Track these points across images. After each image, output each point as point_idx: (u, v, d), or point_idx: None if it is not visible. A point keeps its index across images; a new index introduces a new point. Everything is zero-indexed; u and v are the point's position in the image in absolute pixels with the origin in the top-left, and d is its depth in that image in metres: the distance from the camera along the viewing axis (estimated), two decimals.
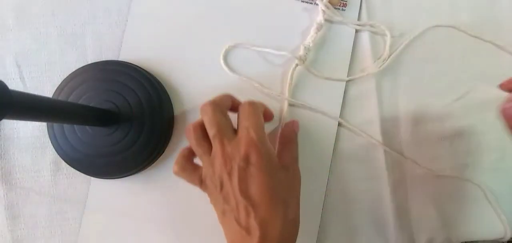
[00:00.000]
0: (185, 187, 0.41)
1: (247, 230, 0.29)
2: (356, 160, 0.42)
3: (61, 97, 0.38)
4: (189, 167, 0.33)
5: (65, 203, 0.42)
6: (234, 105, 0.35)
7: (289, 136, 0.37)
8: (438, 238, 0.42)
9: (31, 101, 0.26)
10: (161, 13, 0.42)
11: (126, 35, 0.42)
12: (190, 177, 0.33)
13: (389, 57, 0.42)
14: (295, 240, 0.32)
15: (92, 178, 0.41)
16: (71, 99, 0.38)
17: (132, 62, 0.41)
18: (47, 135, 0.40)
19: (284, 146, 0.37)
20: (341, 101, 0.42)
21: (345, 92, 0.42)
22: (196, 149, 0.32)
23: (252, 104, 0.33)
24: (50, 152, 0.41)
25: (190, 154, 0.34)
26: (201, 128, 0.32)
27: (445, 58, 0.43)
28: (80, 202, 0.41)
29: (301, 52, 0.41)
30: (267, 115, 0.36)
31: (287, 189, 0.31)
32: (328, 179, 0.41)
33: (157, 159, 0.41)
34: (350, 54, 0.42)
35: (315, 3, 0.42)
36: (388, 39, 0.42)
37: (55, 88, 0.40)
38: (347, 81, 0.42)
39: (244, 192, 0.29)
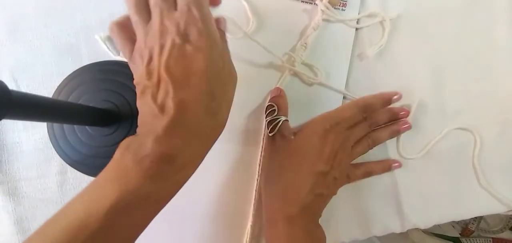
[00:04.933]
0: (191, 188, 0.41)
1: (161, 108, 0.26)
2: None
3: (60, 98, 0.39)
4: (126, 32, 0.29)
5: None
6: None
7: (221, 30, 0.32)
8: (431, 216, 0.43)
9: (31, 101, 0.26)
10: None
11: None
12: (122, 42, 0.29)
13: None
14: (214, 139, 0.29)
15: (92, 178, 0.41)
16: (70, 99, 0.38)
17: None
18: (50, 147, 0.40)
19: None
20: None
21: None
22: (133, 15, 0.28)
23: None
24: (55, 164, 0.41)
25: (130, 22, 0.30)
26: None
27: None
28: None
29: (291, 56, 0.41)
30: None
31: (218, 81, 0.28)
32: None
33: None
34: (350, 54, 0.42)
35: (315, 4, 0.42)
36: (388, 24, 0.42)
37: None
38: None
39: (170, 69, 0.26)
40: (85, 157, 0.38)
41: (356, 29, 0.42)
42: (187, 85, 0.26)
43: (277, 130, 0.39)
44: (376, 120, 0.41)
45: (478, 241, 0.72)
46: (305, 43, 0.41)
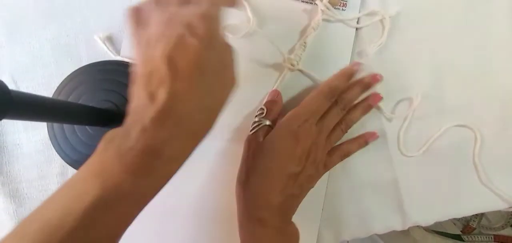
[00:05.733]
0: (186, 185, 0.41)
1: (151, 97, 0.24)
2: None
3: (60, 98, 0.39)
4: (138, 17, 0.28)
5: None
6: None
7: None
8: (433, 214, 0.42)
9: (31, 101, 0.26)
10: None
11: (126, 34, 0.42)
12: (133, 25, 0.28)
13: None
14: (202, 137, 0.27)
15: None
16: (70, 99, 0.38)
17: (131, 61, 0.41)
18: (51, 148, 0.40)
19: None
20: None
21: None
22: (151, 2, 0.28)
23: None
24: (56, 165, 0.41)
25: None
26: None
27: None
28: None
29: (291, 55, 0.41)
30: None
31: (216, 81, 0.27)
32: None
33: None
34: (350, 54, 0.42)
35: (315, 4, 0.42)
36: (388, 22, 0.41)
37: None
38: None
39: (170, 59, 0.25)
40: (85, 157, 0.37)
41: (356, 28, 0.42)
42: (183, 77, 0.25)
43: (254, 132, 0.38)
44: (348, 99, 0.39)
45: (479, 238, 0.72)
46: (305, 43, 0.41)
